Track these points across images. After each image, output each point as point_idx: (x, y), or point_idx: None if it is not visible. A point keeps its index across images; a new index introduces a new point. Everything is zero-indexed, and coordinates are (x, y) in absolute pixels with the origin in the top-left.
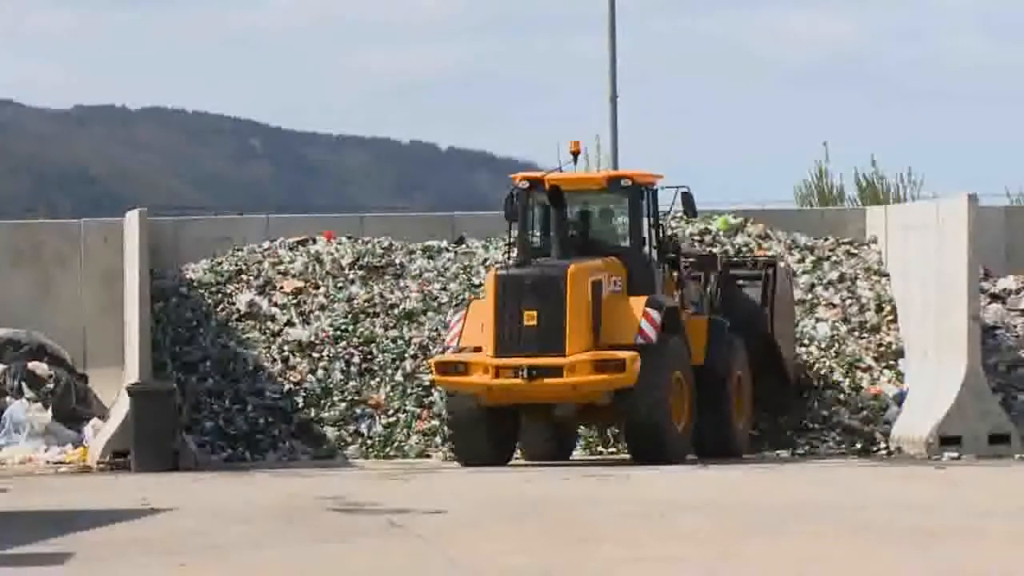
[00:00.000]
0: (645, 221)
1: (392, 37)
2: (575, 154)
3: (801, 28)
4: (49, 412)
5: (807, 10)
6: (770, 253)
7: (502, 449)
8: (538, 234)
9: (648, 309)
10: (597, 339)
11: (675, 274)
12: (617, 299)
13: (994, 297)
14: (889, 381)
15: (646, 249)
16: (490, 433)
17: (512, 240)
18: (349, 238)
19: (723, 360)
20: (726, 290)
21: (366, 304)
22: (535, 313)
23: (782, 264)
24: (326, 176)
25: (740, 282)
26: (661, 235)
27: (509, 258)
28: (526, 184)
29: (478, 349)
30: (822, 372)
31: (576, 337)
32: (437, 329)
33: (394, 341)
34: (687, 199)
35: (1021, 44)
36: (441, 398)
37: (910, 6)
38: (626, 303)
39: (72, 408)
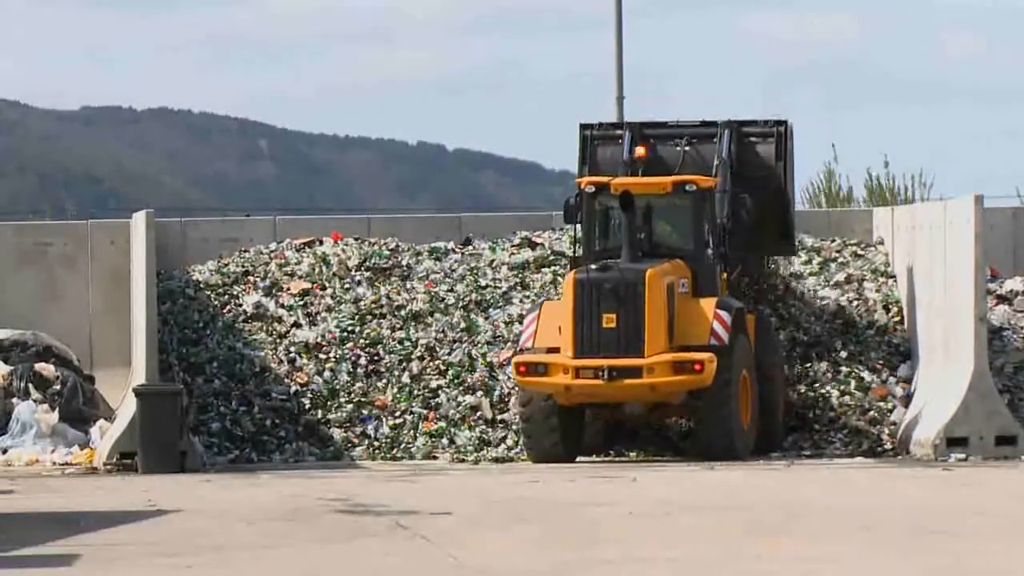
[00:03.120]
0: (707, 224)
1: (398, 37)
2: (640, 158)
3: (803, 25)
4: (56, 413)
5: (809, 8)
6: (774, 119)
7: (572, 446)
8: (601, 236)
9: (719, 311)
10: (671, 340)
11: (725, 275)
12: (688, 301)
13: (1001, 298)
14: (896, 382)
15: (708, 251)
16: (563, 431)
17: (576, 241)
18: (356, 239)
19: (769, 356)
20: (740, 149)
21: (373, 305)
22: (614, 316)
23: (790, 123)
24: (331, 177)
25: (752, 139)
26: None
27: (575, 259)
28: (592, 188)
29: (553, 349)
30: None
31: (654, 339)
32: (443, 330)
33: (401, 342)
34: (744, 202)
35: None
36: (505, 399)
37: (912, 5)
38: (697, 305)
39: (79, 409)
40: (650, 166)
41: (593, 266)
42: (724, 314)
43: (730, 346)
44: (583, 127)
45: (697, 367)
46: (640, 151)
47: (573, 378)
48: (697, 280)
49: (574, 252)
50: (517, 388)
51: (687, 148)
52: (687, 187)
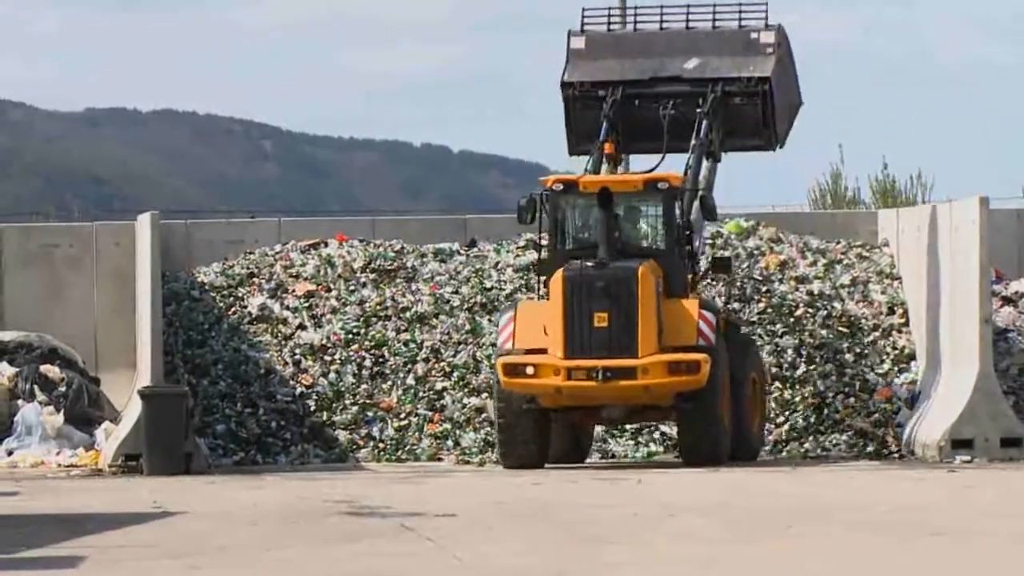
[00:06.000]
0: (679, 223)
1: (402, 37)
2: (611, 155)
3: (802, 26)
4: (61, 415)
5: (808, 8)
6: (757, 74)
7: (544, 451)
8: (567, 237)
9: (703, 311)
10: (660, 341)
11: (692, 276)
12: (669, 301)
13: (1006, 300)
14: (901, 384)
15: (679, 250)
16: (539, 435)
17: (538, 242)
18: (361, 241)
19: (739, 363)
20: (726, 113)
21: (378, 307)
22: (606, 315)
23: (772, 70)
24: (336, 178)
25: (738, 100)
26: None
27: (539, 260)
28: (560, 187)
29: (533, 351)
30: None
31: (647, 339)
32: (448, 332)
33: (406, 344)
34: (704, 202)
35: None
36: (481, 398)
37: (909, 4)
38: (680, 305)
39: (84, 411)
40: (635, 129)
41: (589, 263)
42: (709, 315)
43: (716, 347)
44: (564, 86)
45: (693, 368)
46: (607, 147)
47: (564, 380)
48: (669, 280)
49: (539, 255)
50: (497, 390)
51: (671, 112)
52: (659, 185)
